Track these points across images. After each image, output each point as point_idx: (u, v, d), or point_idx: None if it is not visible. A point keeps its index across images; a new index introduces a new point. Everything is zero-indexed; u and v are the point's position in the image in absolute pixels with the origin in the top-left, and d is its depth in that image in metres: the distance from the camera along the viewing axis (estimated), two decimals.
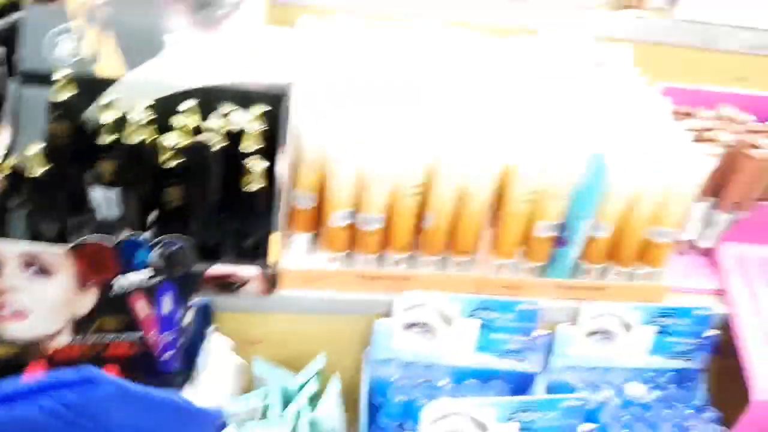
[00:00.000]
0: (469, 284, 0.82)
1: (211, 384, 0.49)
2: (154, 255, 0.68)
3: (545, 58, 0.92)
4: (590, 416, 0.83)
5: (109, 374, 0.36)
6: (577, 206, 0.79)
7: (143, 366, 0.74)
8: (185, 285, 0.71)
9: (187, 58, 0.78)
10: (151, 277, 0.68)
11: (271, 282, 0.75)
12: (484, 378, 0.84)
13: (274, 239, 0.75)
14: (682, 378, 0.88)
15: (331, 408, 0.76)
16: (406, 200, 0.75)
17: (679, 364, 0.89)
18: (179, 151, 0.72)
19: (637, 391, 0.85)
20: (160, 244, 0.68)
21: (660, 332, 0.86)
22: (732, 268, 0.89)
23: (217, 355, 0.52)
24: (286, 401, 0.76)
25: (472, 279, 0.81)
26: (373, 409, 0.82)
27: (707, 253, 0.93)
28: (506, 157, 0.77)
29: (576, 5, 1.00)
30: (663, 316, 0.85)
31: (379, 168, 0.73)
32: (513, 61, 0.91)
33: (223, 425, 0.53)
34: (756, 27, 1.04)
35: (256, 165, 0.71)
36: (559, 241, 0.82)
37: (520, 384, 0.86)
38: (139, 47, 0.78)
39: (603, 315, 0.83)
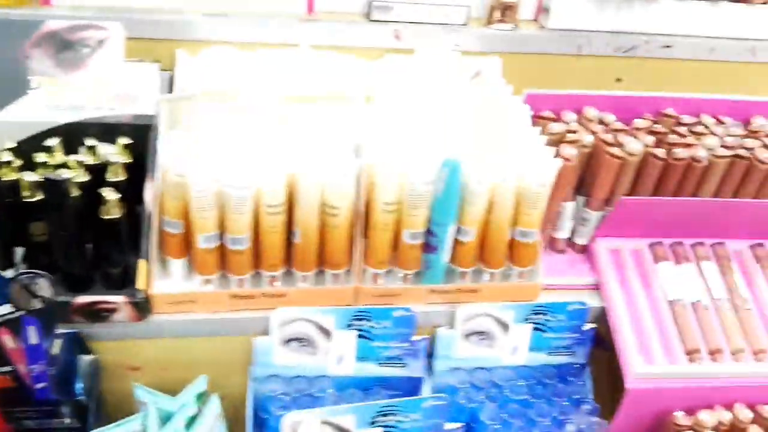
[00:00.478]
0: (346, 296, 0.83)
1: None
2: (12, 290, 0.69)
3: (415, 73, 0.96)
4: (471, 416, 0.85)
5: None
6: (440, 212, 0.81)
7: (20, 398, 0.75)
8: (49, 316, 0.72)
9: (52, 97, 0.80)
10: (12, 312, 0.70)
11: (141, 308, 0.76)
12: (367, 386, 0.85)
13: (142, 266, 0.77)
14: (565, 373, 0.91)
15: (209, 429, 0.77)
16: (270, 218, 0.77)
17: (561, 359, 0.91)
18: (39, 187, 0.73)
19: (518, 388, 0.87)
20: (17, 279, 0.69)
21: (537, 329, 0.88)
22: (605, 262, 0.92)
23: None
24: (164, 424, 0.77)
25: (348, 291, 0.83)
26: (259, 426, 0.84)
27: (584, 250, 0.96)
28: (365, 169, 0.80)
29: (449, 23, 1.04)
30: (537, 313, 0.87)
31: (240, 188, 0.75)
32: (379, 77, 0.94)
33: None
34: (626, 30, 1.09)
35: (114, 195, 0.73)
36: (429, 248, 0.84)
37: (408, 390, 0.88)
38: (4, 89, 0.80)
39: (478, 316, 0.86)
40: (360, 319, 0.83)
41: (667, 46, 1.09)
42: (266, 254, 0.79)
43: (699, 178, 0.92)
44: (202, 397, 0.81)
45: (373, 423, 0.72)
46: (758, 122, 1.00)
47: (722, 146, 0.92)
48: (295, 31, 1.00)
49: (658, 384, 0.83)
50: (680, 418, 0.83)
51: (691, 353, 0.85)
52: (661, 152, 0.89)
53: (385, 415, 0.73)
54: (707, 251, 0.94)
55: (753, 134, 0.96)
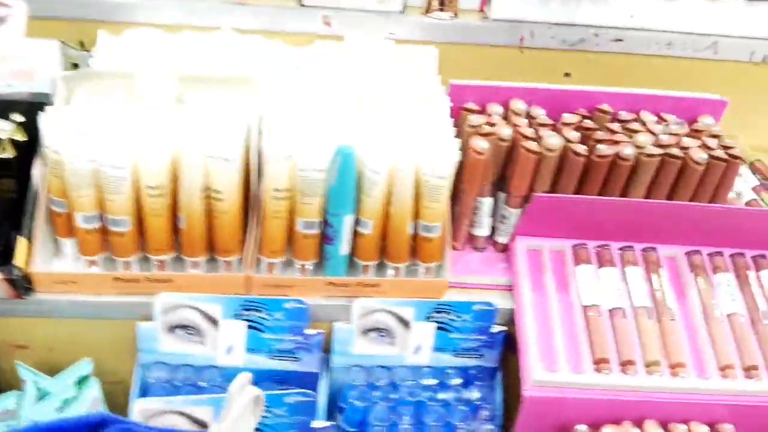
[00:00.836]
0: (237, 285, 0.80)
1: (237, 421, 0.52)
2: None
3: (338, 60, 0.92)
4: (363, 415, 0.81)
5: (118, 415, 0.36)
6: (334, 202, 0.77)
7: None
8: None
9: None
10: None
11: (19, 285, 0.75)
12: (258, 379, 0.81)
13: (21, 243, 0.75)
14: (471, 376, 0.86)
15: (84, 412, 0.76)
16: (151, 200, 0.75)
17: (469, 361, 0.86)
18: None
19: (416, 389, 0.83)
20: None
21: (442, 329, 0.84)
22: (522, 262, 0.86)
23: (237, 393, 0.55)
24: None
25: (239, 279, 0.80)
26: None
27: (505, 249, 0.91)
28: (254, 154, 0.77)
29: (385, 10, 1.00)
30: (440, 312, 0.83)
31: (116, 168, 0.72)
32: (300, 62, 0.91)
33: None
34: (573, 23, 1.03)
35: None
36: (326, 239, 0.80)
37: (303, 385, 0.84)
38: None
39: (376, 311, 0.81)
40: (249, 309, 0.80)
41: (618, 40, 1.03)
42: (151, 238, 0.77)
43: (626, 178, 0.86)
44: (84, 380, 0.79)
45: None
46: (705, 122, 0.93)
47: (655, 145, 0.86)
48: (224, 15, 0.98)
49: (560, 393, 0.77)
50: (580, 431, 0.78)
51: (600, 363, 0.78)
52: (582, 149, 0.83)
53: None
54: (635, 256, 0.87)
55: (695, 133, 0.90)
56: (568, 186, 0.85)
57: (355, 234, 0.80)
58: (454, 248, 0.90)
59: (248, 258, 0.80)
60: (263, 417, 0.69)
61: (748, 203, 1.04)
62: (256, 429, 0.70)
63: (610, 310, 0.83)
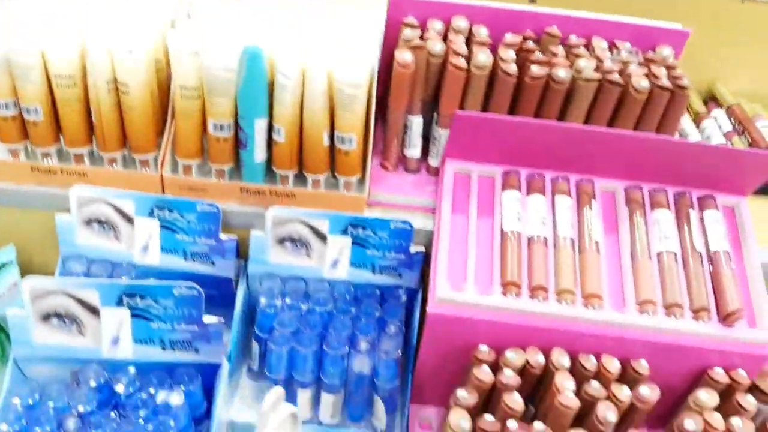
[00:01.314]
0: (152, 184, 0.80)
1: None
2: None
3: None
4: (272, 322, 0.80)
5: None
6: (243, 104, 0.75)
7: None
8: None
9: None
10: None
11: None
12: (168, 278, 0.82)
13: None
14: (388, 294, 0.83)
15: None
16: (61, 90, 0.75)
17: (387, 280, 0.84)
18: None
19: (327, 301, 0.81)
20: None
21: (359, 245, 0.82)
22: (448, 185, 0.83)
23: (270, 411, 0.54)
24: None
25: (154, 179, 0.80)
26: None
27: (438, 172, 0.87)
28: (160, 47, 0.76)
29: None
30: (357, 227, 0.80)
31: (23, 55, 0.72)
32: None
33: None
34: None
35: None
36: (240, 144, 0.79)
37: (219, 290, 0.84)
38: None
39: (291, 221, 0.80)
40: (162, 209, 0.79)
41: None
42: (66, 130, 0.78)
43: (562, 104, 0.81)
44: (5, 267, 0.81)
45: (118, 303, 0.70)
46: (663, 52, 0.86)
47: (597, 70, 0.80)
48: None
49: (463, 313, 0.74)
50: (483, 352, 0.75)
51: (508, 286, 0.75)
52: (513, 69, 0.79)
53: (132, 296, 0.69)
54: (568, 187, 0.82)
55: (648, 62, 0.83)
56: (500, 108, 0.81)
57: (271, 142, 0.79)
58: (384, 168, 0.88)
59: (163, 158, 0.80)
60: (150, 306, 0.69)
61: None
62: (143, 318, 0.71)
63: (530, 238, 0.79)
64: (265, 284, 0.82)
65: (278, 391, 0.54)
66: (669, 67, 0.83)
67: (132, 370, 0.71)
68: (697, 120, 1.04)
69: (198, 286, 0.70)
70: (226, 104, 0.76)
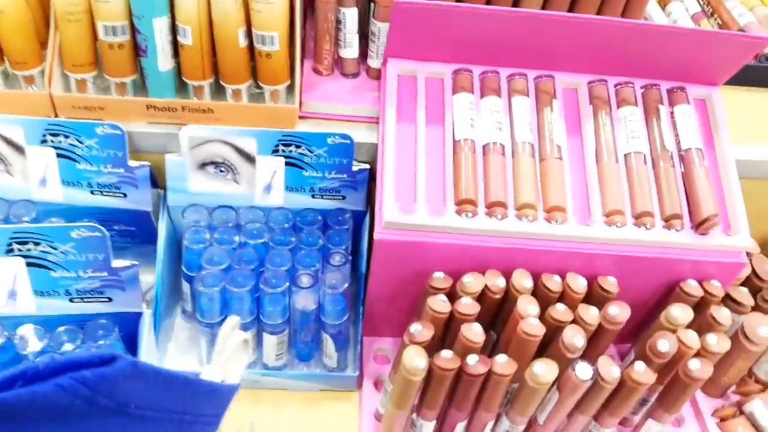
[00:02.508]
0: (41, 105, 0.66)
1: (228, 364, 0.48)
2: None
3: None
4: (200, 258, 0.70)
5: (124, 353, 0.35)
6: (140, 0, 0.61)
7: None
8: None
9: None
10: None
11: None
12: (78, 216, 0.70)
13: None
14: (332, 220, 0.73)
15: None
16: None
17: (329, 203, 0.73)
18: None
19: (259, 232, 0.70)
20: None
21: (293, 165, 0.70)
22: (390, 89, 0.70)
23: (228, 336, 0.49)
24: None
25: (43, 99, 0.65)
26: None
27: (379, 74, 0.75)
28: None
29: None
30: (289, 145, 0.69)
31: None
32: None
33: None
34: None
35: None
36: (140, 50, 0.65)
37: (138, 225, 0.73)
38: None
39: (210, 142, 0.67)
40: (56, 135, 0.66)
41: None
42: None
43: None
44: None
45: (11, 251, 0.58)
46: None
47: None
48: None
49: (415, 237, 0.65)
50: (438, 279, 0.66)
51: (462, 204, 0.65)
52: None
53: (23, 243, 0.57)
54: (526, 85, 0.71)
55: None
56: None
57: (178, 46, 0.65)
58: (317, 72, 0.75)
59: (49, 73, 0.65)
60: (51, 254, 0.57)
61: None
62: (42, 267, 0.60)
63: (484, 146, 0.68)
64: (188, 216, 0.70)
65: (234, 319, 0.51)
66: None
67: (31, 327, 0.60)
68: (663, 2, 0.93)
69: (100, 227, 0.57)
70: (116, 1, 0.61)
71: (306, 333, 0.70)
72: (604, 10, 0.69)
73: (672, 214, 0.66)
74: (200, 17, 0.61)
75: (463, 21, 0.67)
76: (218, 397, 0.44)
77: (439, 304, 0.63)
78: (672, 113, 0.71)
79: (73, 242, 0.58)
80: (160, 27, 0.61)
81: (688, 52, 0.70)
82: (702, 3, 0.89)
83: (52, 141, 0.65)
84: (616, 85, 0.72)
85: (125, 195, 0.69)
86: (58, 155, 0.66)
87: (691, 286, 0.67)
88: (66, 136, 0.65)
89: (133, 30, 0.62)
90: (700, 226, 0.66)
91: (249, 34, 0.64)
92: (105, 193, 0.69)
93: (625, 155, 0.68)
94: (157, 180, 0.71)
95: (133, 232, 0.73)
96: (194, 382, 0.41)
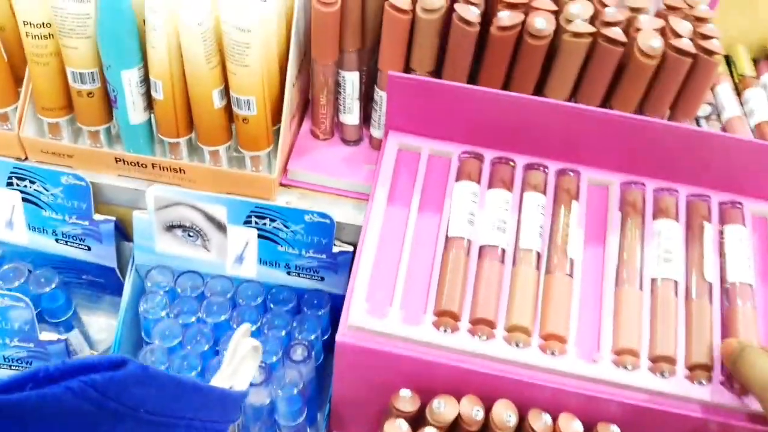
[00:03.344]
0: (12, 146, 0.61)
1: (237, 371, 0.48)
2: None
3: None
4: (155, 329, 0.63)
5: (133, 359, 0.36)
6: (103, 49, 0.55)
7: None
8: None
9: None
10: None
11: None
12: (45, 264, 0.65)
13: None
14: (307, 302, 0.64)
15: None
16: None
17: (306, 283, 0.64)
18: None
19: (223, 306, 0.62)
20: None
21: (267, 238, 0.62)
22: (387, 165, 0.61)
23: (238, 342, 0.49)
24: None
25: (12, 139, 0.60)
26: None
27: (380, 145, 0.66)
28: None
29: None
30: (263, 217, 0.60)
31: None
32: None
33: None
34: None
35: None
36: (112, 101, 0.59)
37: (105, 280, 0.67)
38: None
39: (178, 204, 0.60)
40: (22, 179, 0.61)
41: None
42: None
43: (541, 65, 0.57)
44: None
45: None
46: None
47: (592, 21, 0.56)
48: None
49: (382, 345, 0.54)
50: (404, 399, 0.56)
51: (442, 316, 0.55)
52: (474, 15, 0.55)
53: None
54: (544, 179, 0.59)
55: (668, 11, 0.58)
56: (457, 68, 0.58)
57: (152, 100, 0.59)
58: (315, 136, 0.67)
59: (21, 112, 0.60)
60: None
61: (758, 126, 0.72)
62: None
63: (481, 248, 0.58)
64: (151, 279, 0.64)
65: (246, 325, 0.49)
66: (698, 20, 0.58)
67: None
68: (741, 86, 0.78)
69: (25, 298, 0.52)
70: (85, 48, 0.55)
71: (259, 427, 0.61)
72: (650, 98, 0.57)
73: (698, 363, 0.53)
74: (172, 72, 0.54)
75: (467, 102, 0.56)
76: (227, 403, 0.44)
77: None
78: (721, 234, 0.58)
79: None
80: (129, 79, 0.55)
81: (748, 164, 0.57)
82: None
83: (18, 184, 0.61)
84: (655, 191, 0.60)
85: (89, 248, 0.63)
86: (24, 199, 0.61)
87: None
88: (32, 182, 0.60)
89: (105, 80, 0.57)
90: (733, 382, 0.52)
91: (228, 94, 0.57)
92: (70, 244, 0.63)
93: (652, 280, 0.56)
94: (128, 234, 0.66)
95: (103, 283, 0.68)
96: (204, 388, 0.41)
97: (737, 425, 0.52)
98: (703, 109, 0.75)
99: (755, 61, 0.81)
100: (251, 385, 0.57)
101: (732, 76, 0.80)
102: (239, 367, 0.47)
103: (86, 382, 0.31)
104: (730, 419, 0.52)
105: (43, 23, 0.54)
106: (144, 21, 0.53)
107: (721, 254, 0.57)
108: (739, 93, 0.77)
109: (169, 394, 0.37)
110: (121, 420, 0.34)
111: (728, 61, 0.82)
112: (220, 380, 0.46)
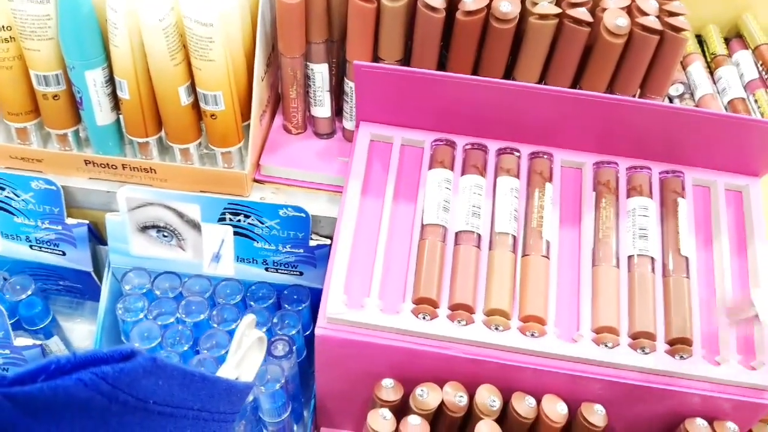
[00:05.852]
0: None
1: (243, 362, 0.49)
2: None
3: None
4: (126, 331, 0.62)
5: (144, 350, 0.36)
6: (65, 49, 0.54)
7: None
8: None
9: None
10: None
11: None
12: (17, 270, 0.64)
13: None
14: (288, 297, 0.64)
15: None
16: None
17: (285, 278, 0.64)
18: None
19: (201, 306, 0.62)
20: None
21: (241, 234, 0.62)
22: (359, 157, 0.61)
23: (243, 334, 0.49)
24: None
25: None
26: None
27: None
28: None
29: None
30: (237, 214, 0.60)
31: None
32: None
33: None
34: None
35: None
36: (78, 102, 0.58)
37: (81, 284, 0.66)
38: None
39: (150, 204, 0.60)
40: None
41: None
42: None
43: (508, 49, 0.57)
44: None
45: None
46: None
47: (557, 3, 0.56)
48: None
49: (362, 336, 0.54)
50: (386, 390, 0.55)
51: (421, 304, 0.55)
52: (439, 2, 0.55)
53: None
54: (517, 162, 0.59)
55: None
56: (426, 56, 0.58)
57: (118, 100, 0.58)
58: (287, 131, 0.66)
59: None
60: None
61: (731, 103, 0.72)
62: None
63: (457, 234, 0.57)
64: (127, 282, 0.63)
65: (251, 316, 0.50)
66: None
67: None
68: (714, 65, 0.79)
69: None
70: (47, 50, 0.54)
71: (244, 425, 0.61)
72: (618, 78, 0.57)
73: (678, 337, 0.53)
74: (137, 71, 0.54)
75: (435, 89, 0.56)
76: (234, 394, 0.44)
77: (380, 423, 0.52)
78: (693, 207, 0.59)
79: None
80: (93, 79, 0.54)
81: (721, 139, 0.57)
82: (761, 68, 0.74)
83: None
84: (628, 169, 0.60)
85: (64, 253, 0.63)
86: None
87: (699, 426, 0.54)
88: (2, 188, 0.60)
89: (69, 80, 0.56)
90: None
91: (195, 91, 0.56)
92: (44, 250, 0.63)
93: (628, 258, 0.56)
94: (102, 237, 0.65)
95: (81, 288, 0.67)
96: (211, 380, 0.41)
97: (720, 397, 0.53)
98: (676, 88, 0.75)
99: (727, 40, 0.81)
100: (255, 384, 0.57)
101: (704, 56, 0.80)
102: (245, 358, 0.48)
103: (97, 374, 0.32)
104: (713, 392, 0.52)
105: (3, 26, 0.53)
106: (106, 19, 0.53)
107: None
108: (711, 72, 0.78)
109: (177, 385, 0.37)
110: (131, 411, 0.34)
111: (700, 41, 0.83)
112: (225, 371, 0.46)
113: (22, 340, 0.54)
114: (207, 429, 0.41)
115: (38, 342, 0.55)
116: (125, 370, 0.33)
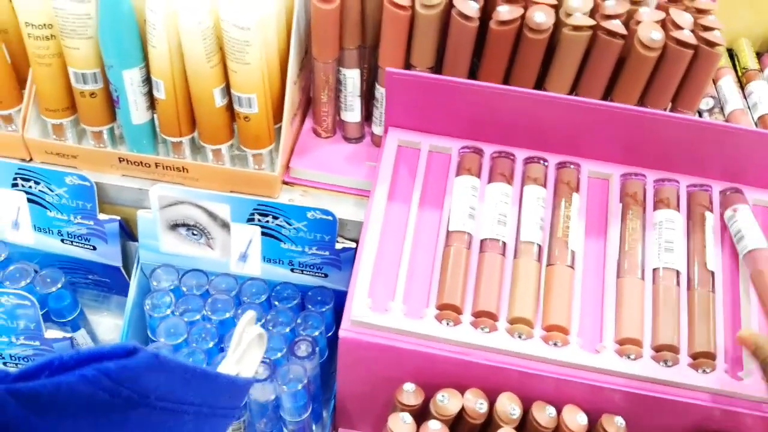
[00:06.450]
0: (16, 148, 0.62)
1: (243, 358, 0.49)
2: None
3: None
4: (159, 327, 0.63)
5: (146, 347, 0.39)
6: (104, 49, 0.55)
7: None
8: None
9: None
10: None
11: None
12: (47, 262, 0.66)
13: None
14: (311, 299, 0.65)
15: None
16: None
17: (309, 280, 0.65)
18: None
19: (226, 304, 0.63)
20: None
21: (270, 236, 0.63)
22: (387, 162, 0.61)
23: (244, 330, 0.50)
24: None
25: (17, 141, 0.61)
26: None
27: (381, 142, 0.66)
28: None
29: None
30: (266, 215, 0.61)
31: None
32: None
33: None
34: None
35: None
36: (114, 101, 0.60)
37: (110, 279, 0.67)
38: None
39: (181, 203, 0.61)
40: (27, 180, 0.62)
41: None
42: None
43: (540, 59, 0.57)
44: None
45: None
46: None
47: (592, 14, 0.56)
48: None
49: (385, 340, 0.54)
50: (408, 393, 0.56)
51: (444, 310, 0.55)
52: (473, 9, 0.55)
53: None
54: (544, 172, 0.59)
55: (669, 4, 0.59)
56: (458, 64, 0.59)
57: (154, 99, 0.59)
58: (317, 134, 0.67)
59: (24, 113, 0.61)
60: None
61: (761, 118, 0.72)
62: None
63: (482, 242, 0.58)
64: (155, 278, 0.64)
65: (251, 312, 0.50)
66: (699, 12, 0.58)
67: None
68: (745, 79, 0.78)
69: (30, 297, 0.52)
70: (87, 48, 0.55)
71: (264, 423, 0.62)
72: (650, 91, 0.57)
73: (702, 351, 0.53)
74: (173, 72, 0.55)
75: (466, 97, 0.57)
76: (234, 390, 0.44)
77: (400, 426, 0.53)
78: (722, 222, 0.59)
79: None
80: (130, 78, 0.56)
81: (750, 154, 0.57)
82: None
83: (23, 185, 0.61)
84: (656, 182, 0.60)
85: (95, 248, 0.64)
86: (30, 200, 0.62)
87: None
88: (36, 182, 0.61)
89: (105, 80, 0.57)
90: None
91: (229, 93, 0.58)
92: (75, 244, 0.64)
93: (653, 270, 0.56)
94: (133, 233, 0.66)
95: (109, 283, 0.69)
96: (212, 375, 0.42)
97: (742, 412, 0.53)
98: (706, 102, 0.75)
99: (759, 55, 0.81)
100: (256, 380, 0.58)
101: (735, 70, 0.80)
102: (245, 354, 0.48)
103: (100, 370, 0.32)
104: (735, 407, 0.52)
105: (44, 24, 0.54)
106: (145, 20, 0.54)
107: (723, 243, 0.58)
108: (742, 86, 0.78)
109: (178, 381, 0.37)
110: (134, 407, 0.34)
111: (731, 54, 0.83)
112: (226, 367, 0.47)
113: (52, 333, 0.56)
114: (208, 424, 0.41)
115: (68, 335, 0.56)
116: (128, 366, 0.33)
